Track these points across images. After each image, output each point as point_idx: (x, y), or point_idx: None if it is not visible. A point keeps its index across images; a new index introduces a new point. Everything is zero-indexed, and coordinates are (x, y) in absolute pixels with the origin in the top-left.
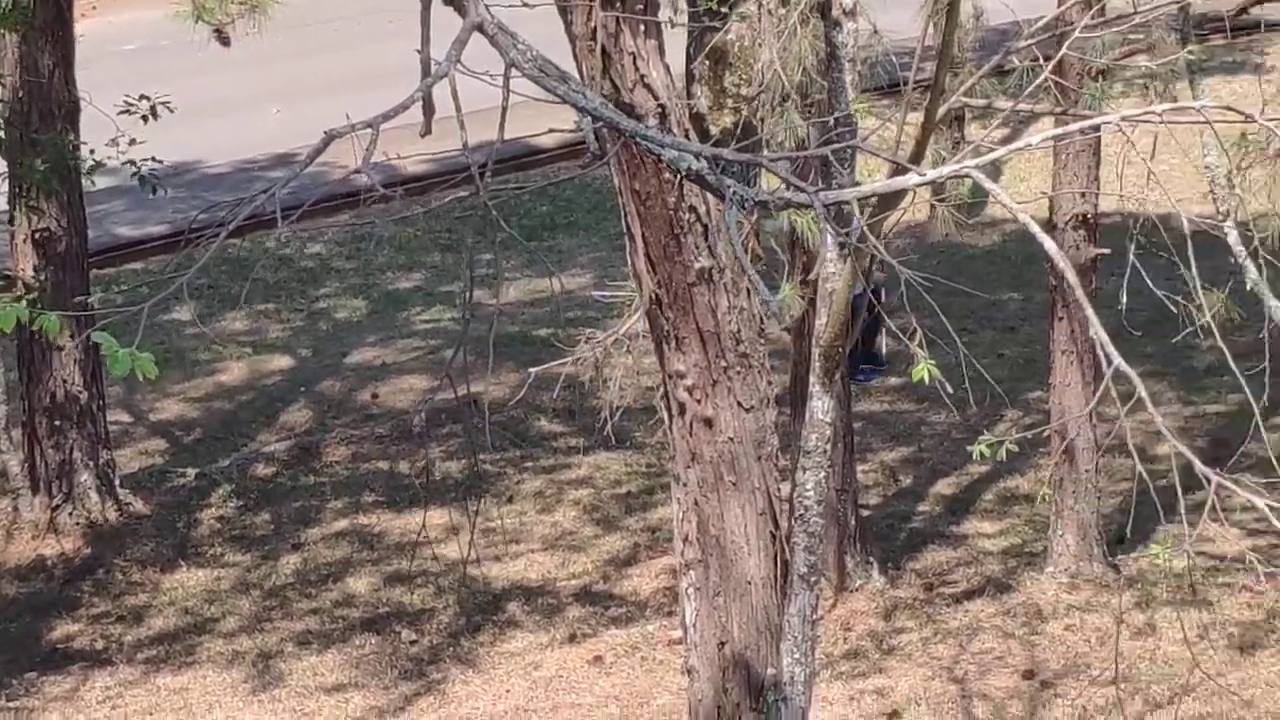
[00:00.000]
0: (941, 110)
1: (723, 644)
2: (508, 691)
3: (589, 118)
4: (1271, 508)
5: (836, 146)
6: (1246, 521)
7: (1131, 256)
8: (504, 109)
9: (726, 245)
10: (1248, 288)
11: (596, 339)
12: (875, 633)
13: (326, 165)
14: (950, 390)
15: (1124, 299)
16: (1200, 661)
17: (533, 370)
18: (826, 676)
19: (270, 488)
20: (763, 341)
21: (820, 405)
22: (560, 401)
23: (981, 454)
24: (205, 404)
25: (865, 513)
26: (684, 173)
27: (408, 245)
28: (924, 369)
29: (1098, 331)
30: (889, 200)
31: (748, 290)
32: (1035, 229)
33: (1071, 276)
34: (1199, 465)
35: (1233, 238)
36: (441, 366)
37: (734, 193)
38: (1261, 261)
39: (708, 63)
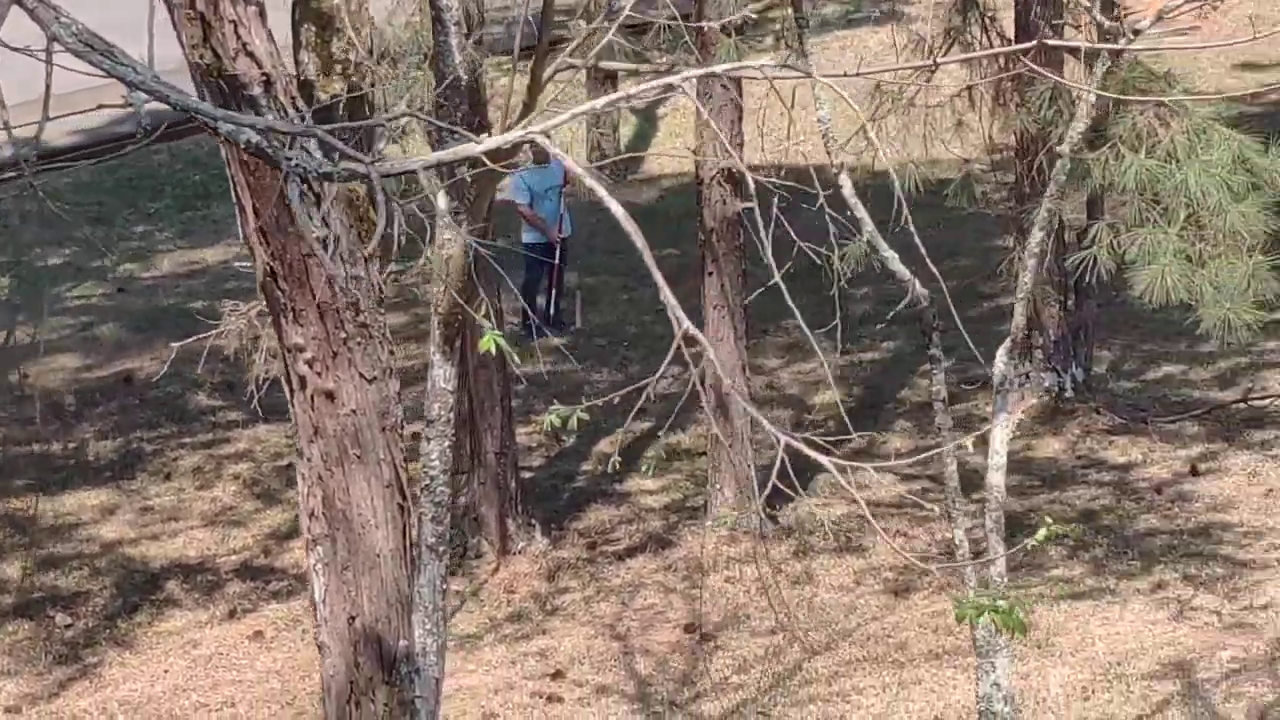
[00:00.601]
0: (550, 71)
1: (353, 618)
2: (166, 671)
3: (139, 93)
4: (839, 465)
5: (401, 116)
6: (900, 466)
7: (775, 209)
8: (48, 85)
9: (341, 214)
10: (864, 239)
11: (241, 310)
12: (539, 594)
13: None
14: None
15: (769, 251)
16: (855, 606)
17: (174, 345)
18: (490, 640)
19: None
20: (382, 311)
21: (441, 374)
22: (217, 375)
23: (552, 425)
24: None
25: (528, 475)
26: (242, 145)
27: (55, 220)
28: (489, 340)
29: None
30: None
31: (365, 260)
32: (604, 195)
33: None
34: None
35: (847, 189)
36: (94, 344)
37: (294, 164)
38: (907, 211)
39: (313, 28)
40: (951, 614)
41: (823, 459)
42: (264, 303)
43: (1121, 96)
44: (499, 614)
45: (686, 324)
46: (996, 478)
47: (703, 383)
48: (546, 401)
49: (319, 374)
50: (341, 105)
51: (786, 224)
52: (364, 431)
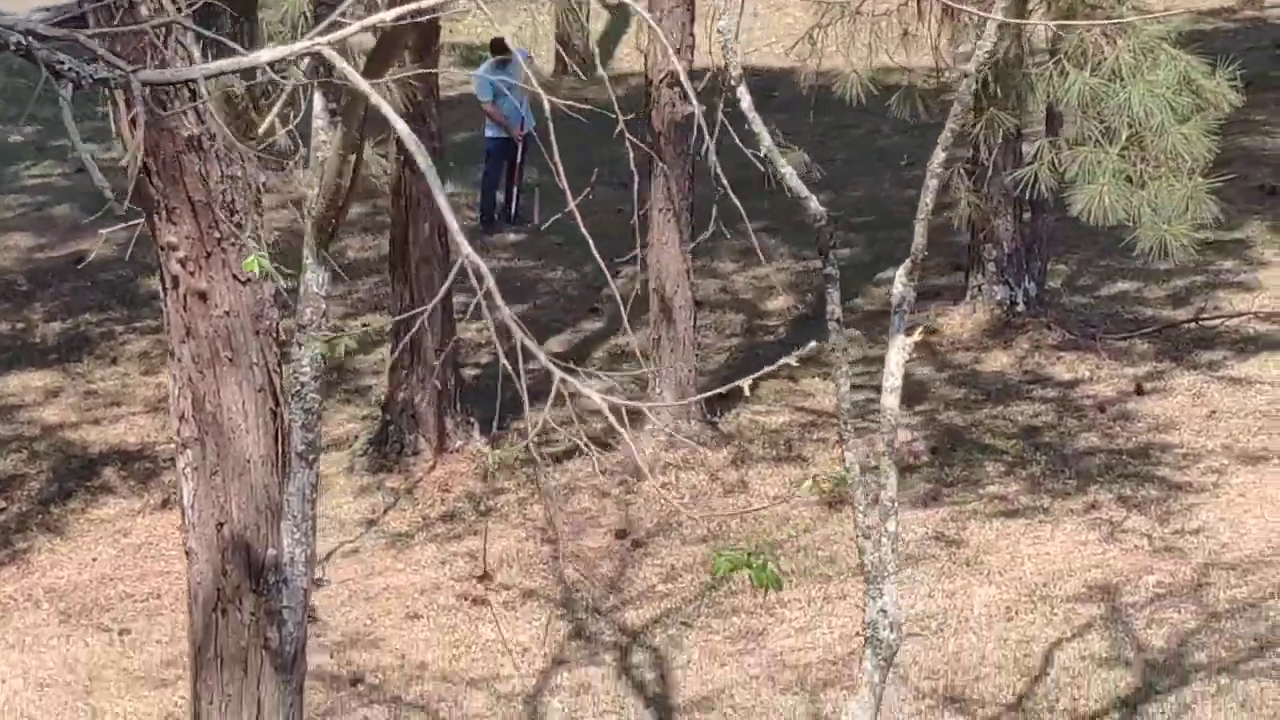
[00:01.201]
0: None
1: (221, 525)
2: (94, 560)
3: None
4: (610, 402)
5: (167, 21)
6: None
7: (720, 115)
8: None
9: (218, 110)
10: (762, 152)
11: None
12: (473, 494)
13: None
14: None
15: (713, 156)
16: (789, 518)
17: (102, 232)
18: (421, 539)
19: None
20: (259, 211)
21: (314, 278)
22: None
23: (331, 353)
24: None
25: (473, 372)
26: (13, 48)
27: (20, 97)
28: (254, 261)
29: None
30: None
31: (241, 159)
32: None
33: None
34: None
35: (745, 102)
36: (48, 224)
37: (68, 69)
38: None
39: None
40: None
41: (593, 394)
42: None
43: (1027, 21)
44: (432, 513)
45: (467, 250)
46: (891, 400)
47: (646, 285)
48: (500, 297)
49: (191, 273)
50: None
51: (731, 129)
52: (236, 334)
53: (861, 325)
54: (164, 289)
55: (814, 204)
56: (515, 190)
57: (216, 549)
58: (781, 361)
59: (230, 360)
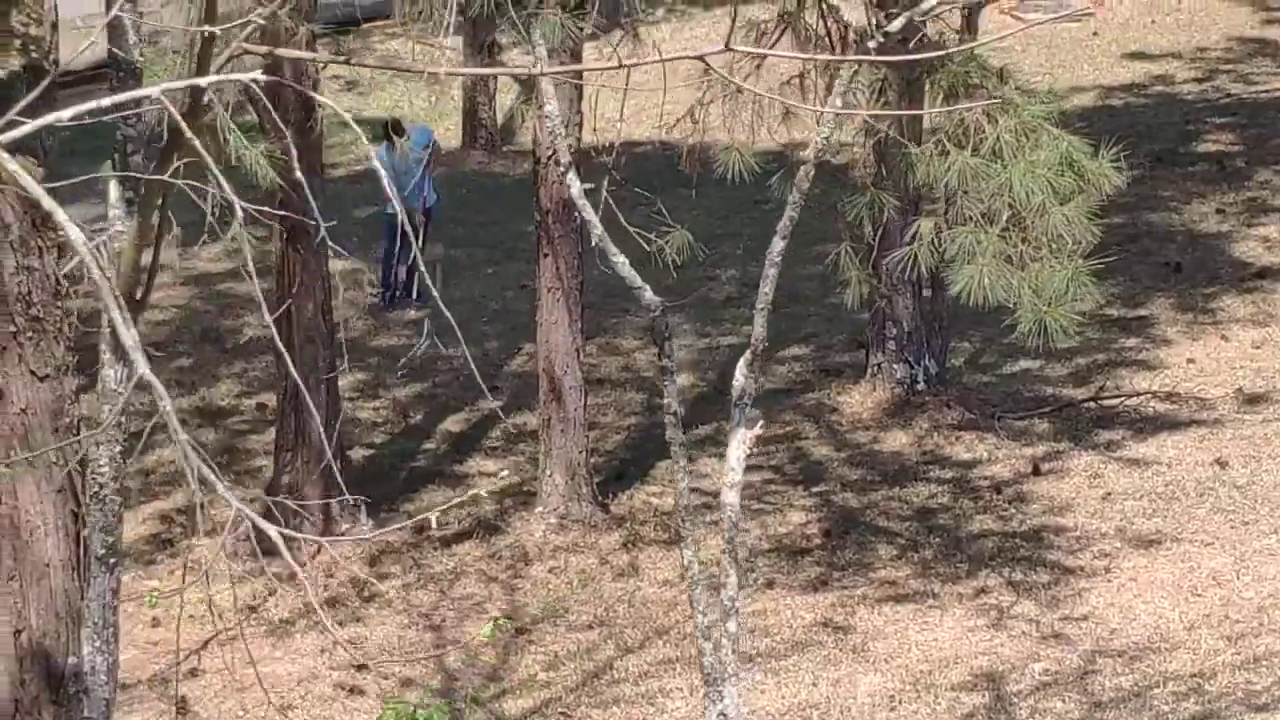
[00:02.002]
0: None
1: (19, 631)
2: None
3: None
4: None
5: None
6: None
7: (604, 193)
8: None
9: (12, 200)
10: (593, 243)
11: None
12: (358, 580)
13: None
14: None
15: (597, 231)
16: (678, 603)
17: None
18: (302, 626)
19: None
20: (59, 305)
21: (112, 375)
22: None
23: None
24: None
25: (368, 453)
26: None
27: None
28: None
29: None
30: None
31: (40, 250)
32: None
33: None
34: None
35: (575, 189)
36: None
37: None
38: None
39: None
40: (770, 614)
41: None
42: None
43: (880, 113)
44: (315, 599)
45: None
46: (731, 496)
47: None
48: (399, 375)
49: None
50: (23, 81)
51: (615, 207)
52: (34, 432)
53: (761, 403)
54: None
55: (648, 295)
56: (413, 266)
57: (14, 658)
58: (471, 493)
59: (28, 461)
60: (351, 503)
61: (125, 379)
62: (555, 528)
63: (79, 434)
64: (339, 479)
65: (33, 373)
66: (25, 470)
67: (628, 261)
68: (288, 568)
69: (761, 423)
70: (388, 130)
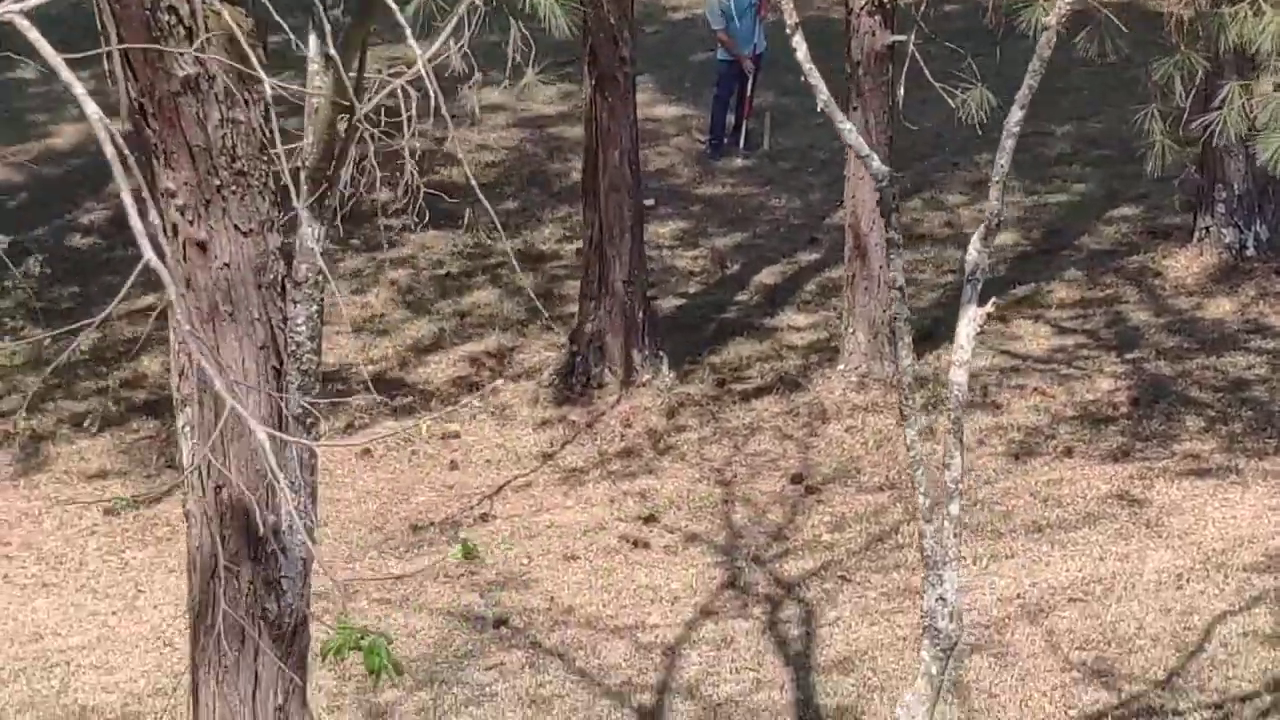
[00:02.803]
0: None
1: (220, 488)
2: None
3: None
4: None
5: None
6: (1060, 319)
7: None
8: None
9: (219, 51)
10: (819, 108)
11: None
12: (654, 430)
13: None
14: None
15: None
16: (973, 468)
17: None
18: (595, 475)
19: (83, 258)
20: (264, 159)
21: (310, 232)
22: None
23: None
24: (33, 168)
25: (680, 302)
26: None
27: None
28: None
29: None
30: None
31: (246, 102)
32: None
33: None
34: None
35: (800, 53)
36: None
37: None
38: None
39: None
40: (1065, 483)
41: None
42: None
43: None
44: (610, 448)
45: None
46: (959, 375)
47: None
48: (718, 225)
49: (190, 222)
50: None
51: (922, 62)
52: (237, 287)
53: (1084, 264)
54: (164, 237)
55: (875, 163)
56: (745, 115)
57: (215, 512)
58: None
59: (230, 315)
60: (654, 353)
61: (323, 236)
62: (855, 386)
63: (283, 291)
64: (641, 329)
65: (236, 227)
66: (228, 325)
67: (854, 129)
68: (586, 415)
69: (995, 300)
70: None
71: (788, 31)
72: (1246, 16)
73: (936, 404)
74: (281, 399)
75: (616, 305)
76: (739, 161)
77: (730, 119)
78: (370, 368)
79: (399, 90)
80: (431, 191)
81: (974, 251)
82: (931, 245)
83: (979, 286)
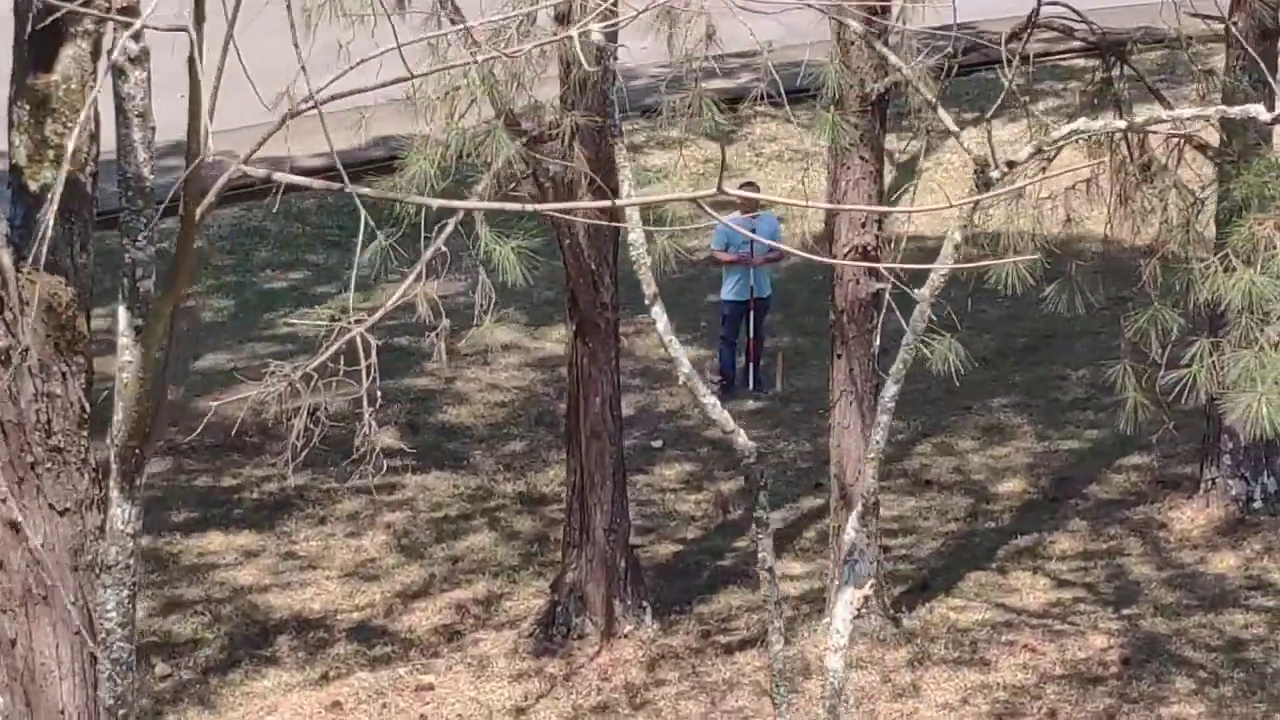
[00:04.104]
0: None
1: None
2: None
3: None
4: None
5: None
6: (1060, 571)
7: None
8: None
9: (33, 325)
10: (681, 381)
11: (285, 372)
12: (632, 685)
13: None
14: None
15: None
16: None
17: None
18: None
19: None
20: (81, 434)
21: (120, 514)
22: (403, 416)
23: None
24: None
25: (677, 548)
26: None
27: (292, 242)
28: None
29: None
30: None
31: (63, 375)
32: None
33: None
34: None
35: (661, 324)
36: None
37: None
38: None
39: (28, 107)
40: None
41: None
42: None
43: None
44: (586, 702)
45: None
46: (835, 660)
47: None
48: (725, 468)
49: (2, 500)
50: (55, 195)
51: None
52: (51, 570)
53: (1090, 515)
54: None
55: (741, 439)
56: (752, 356)
57: None
58: None
59: (44, 600)
60: (637, 603)
61: (134, 518)
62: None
63: (98, 574)
64: (624, 578)
65: (51, 506)
66: (41, 610)
67: (718, 403)
68: (565, 667)
69: (872, 582)
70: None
71: (646, 302)
72: (1217, 272)
73: (923, 659)
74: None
75: (598, 554)
76: (750, 404)
77: (741, 360)
78: (355, 614)
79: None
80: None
81: (851, 532)
82: (939, 492)
83: (856, 566)
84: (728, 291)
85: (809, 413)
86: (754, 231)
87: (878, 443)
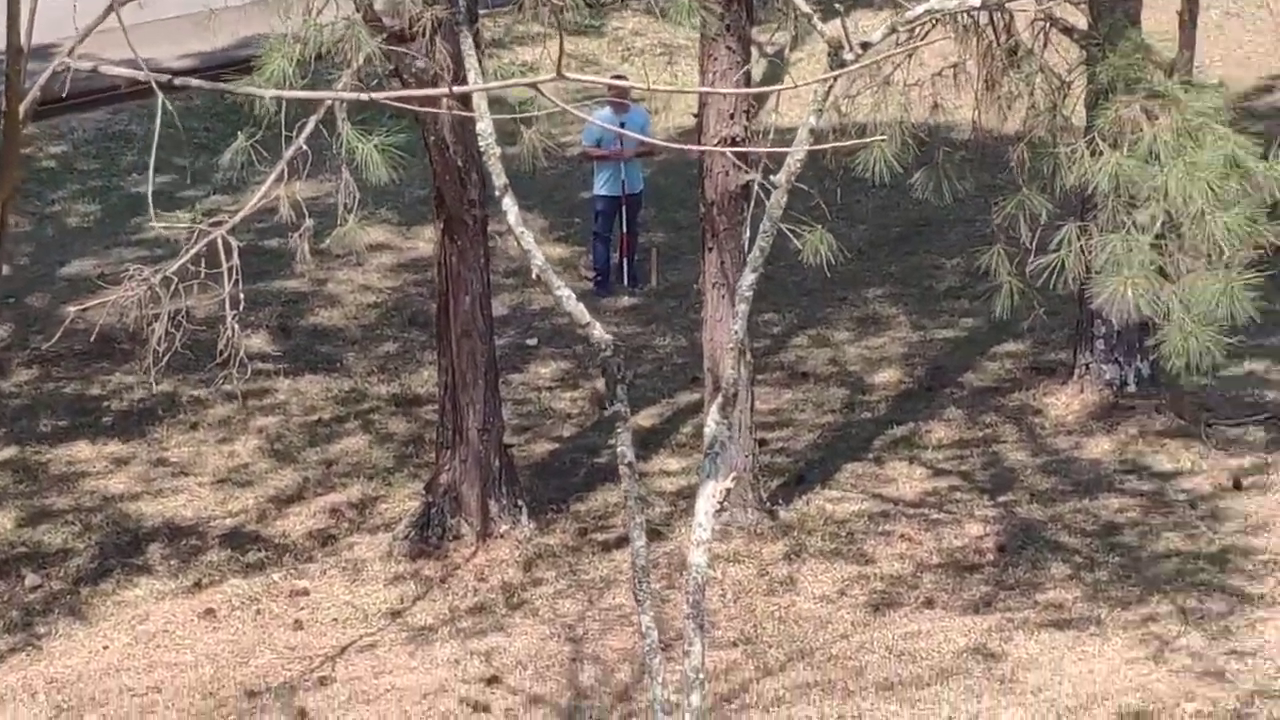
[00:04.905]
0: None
1: None
2: (105, 648)
3: None
4: None
5: None
6: (936, 460)
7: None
8: None
9: None
10: (534, 274)
11: (143, 276)
12: (509, 585)
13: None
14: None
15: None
16: (830, 621)
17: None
18: (444, 634)
19: None
20: None
21: None
22: (274, 319)
23: None
24: None
25: (553, 447)
26: None
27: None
28: None
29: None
30: None
31: None
32: None
33: None
34: None
35: (512, 216)
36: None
37: None
38: None
39: None
40: (923, 636)
41: None
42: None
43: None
44: (462, 604)
45: None
46: (698, 555)
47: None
48: (601, 365)
49: None
50: None
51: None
52: None
53: (965, 403)
54: None
55: (597, 332)
56: (626, 252)
57: None
58: None
59: None
60: (512, 502)
61: None
62: (718, 535)
63: None
64: (498, 478)
65: None
66: None
67: (573, 296)
68: (441, 569)
69: (735, 474)
70: (610, 91)
71: (496, 194)
72: (1084, 156)
73: (799, 551)
74: None
75: (472, 454)
76: (626, 299)
77: (615, 256)
78: (228, 521)
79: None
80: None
81: (712, 424)
82: (815, 383)
83: (717, 459)
84: (600, 187)
85: (684, 307)
86: (623, 126)
87: (736, 332)
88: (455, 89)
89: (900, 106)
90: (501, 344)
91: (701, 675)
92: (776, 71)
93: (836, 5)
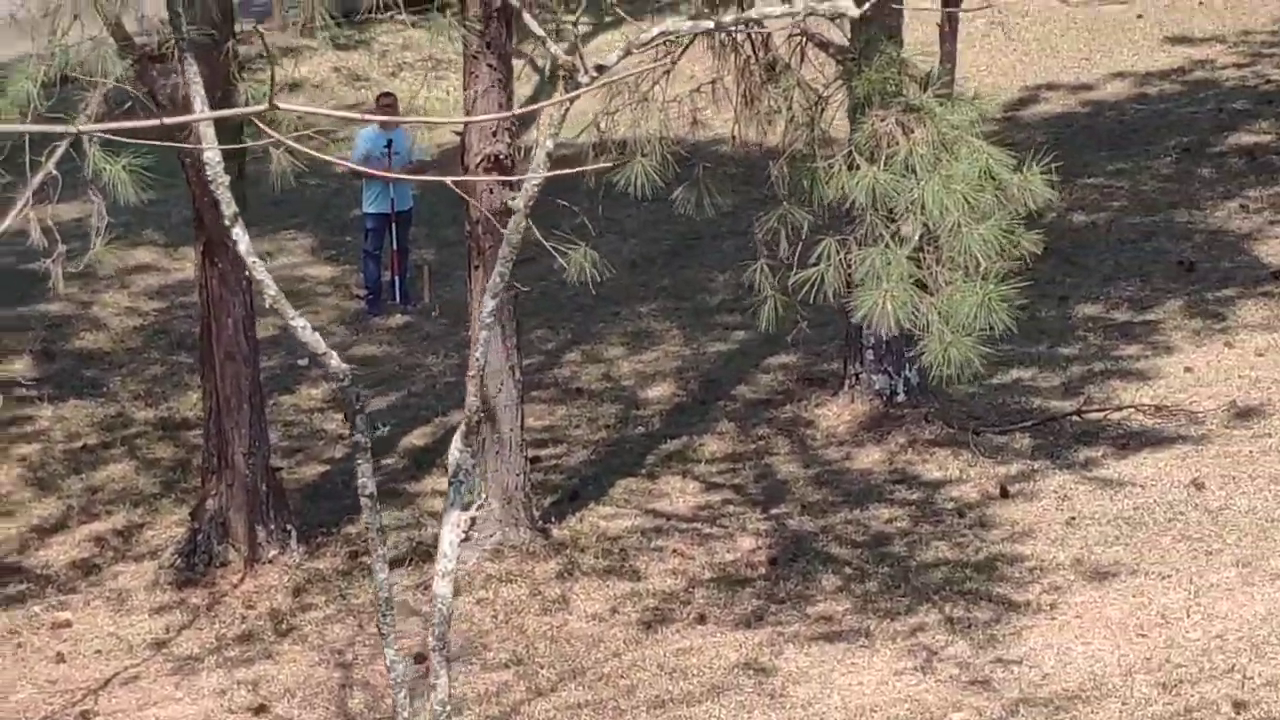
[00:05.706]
0: None
1: None
2: None
3: None
4: None
5: None
6: (709, 474)
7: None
8: None
9: None
10: (268, 303)
11: None
12: (277, 611)
13: None
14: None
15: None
16: (603, 640)
17: None
18: (210, 663)
19: None
20: None
21: None
22: (38, 343)
23: None
24: None
25: (323, 469)
26: None
27: None
28: None
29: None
30: None
31: None
32: None
33: None
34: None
35: (242, 246)
36: None
37: None
38: None
39: None
40: (694, 653)
41: None
42: None
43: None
44: (229, 632)
45: None
46: (443, 586)
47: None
48: (370, 384)
49: None
50: None
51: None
52: None
53: (738, 416)
54: None
55: (334, 361)
56: (396, 270)
57: None
58: None
59: None
60: (281, 527)
61: None
62: (490, 555)
63: None
64: (266, 503)
65: None
66: None
67: (309, 325)
68: (208, 597)
69: (479, 504)
70: (380, 106)
71: (226, 223)
72: (841, 170)
73: (572, 570)
74: None
75: (238, 479)
76: (398, 318)
77: (386, 274)
78: None
79: None
80: None
81: (455, 451)
82: (588, 399)
83: (461, 488)
84: (368, 204)
85: (457, 325)
86: (390, 144)
87: (478, 359)
88: (165, 120)
89: (660, 122)
90: (271, 365)
91: (448, 708)
92: (548, 87)
93: (573, 30)
